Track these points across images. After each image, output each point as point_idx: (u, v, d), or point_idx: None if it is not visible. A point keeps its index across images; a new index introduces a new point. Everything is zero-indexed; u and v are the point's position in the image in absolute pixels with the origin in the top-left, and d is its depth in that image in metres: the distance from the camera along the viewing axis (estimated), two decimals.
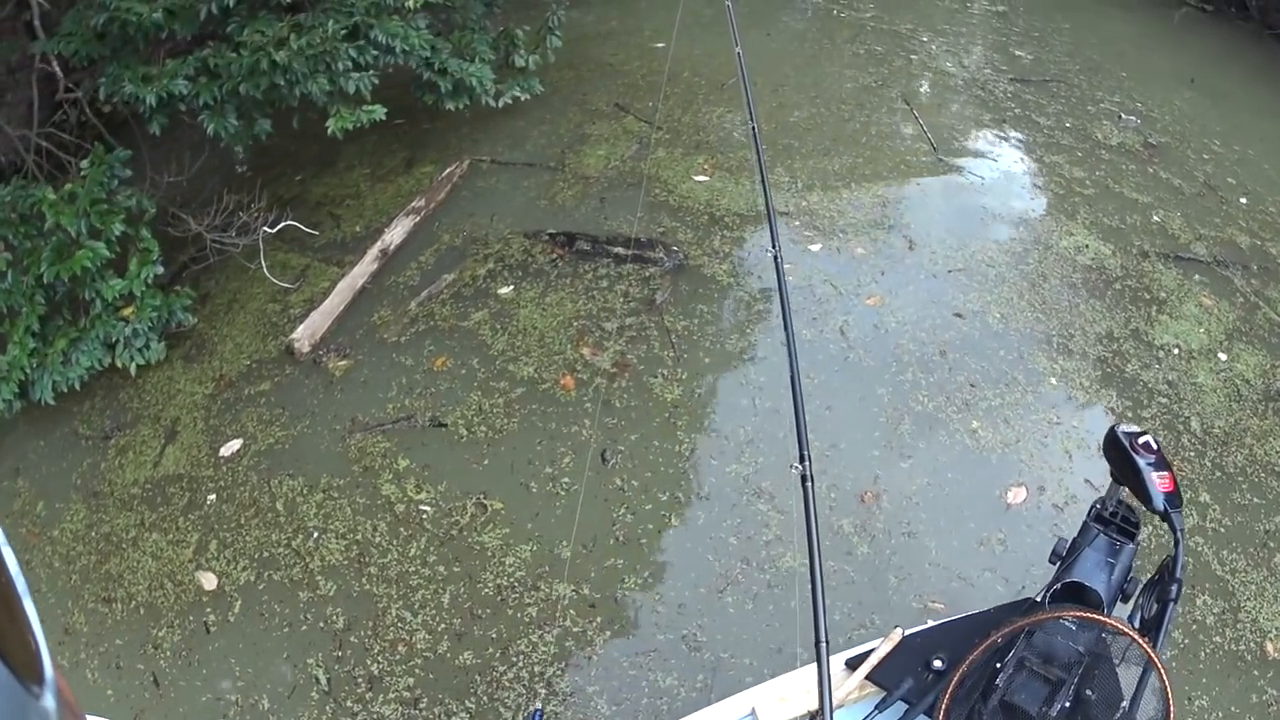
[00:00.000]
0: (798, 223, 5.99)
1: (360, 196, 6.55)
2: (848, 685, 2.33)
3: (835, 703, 2.21)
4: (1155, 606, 2.29)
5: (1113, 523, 2.40)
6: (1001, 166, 6.90)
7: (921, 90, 7.91)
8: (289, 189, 6.63)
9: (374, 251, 5.86)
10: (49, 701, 0.46)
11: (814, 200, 6.23)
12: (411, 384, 5.05)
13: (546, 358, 5.11)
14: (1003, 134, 7.33)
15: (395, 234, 5.99)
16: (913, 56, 8.42)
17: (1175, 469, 2.35)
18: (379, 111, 5.50)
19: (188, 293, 5.37)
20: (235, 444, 4.86)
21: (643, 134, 6.88)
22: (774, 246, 3.14)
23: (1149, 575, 2.40)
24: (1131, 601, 2.37)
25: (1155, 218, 6.59)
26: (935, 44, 8.73)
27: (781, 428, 4.61)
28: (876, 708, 2.27)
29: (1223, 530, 4.48)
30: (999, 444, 4.66)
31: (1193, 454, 4.83)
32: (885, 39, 8.68)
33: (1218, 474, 4.73)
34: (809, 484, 2.26)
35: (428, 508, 4.42)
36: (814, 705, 2.10)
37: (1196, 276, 6.09)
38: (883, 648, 2.39)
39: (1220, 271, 6.19)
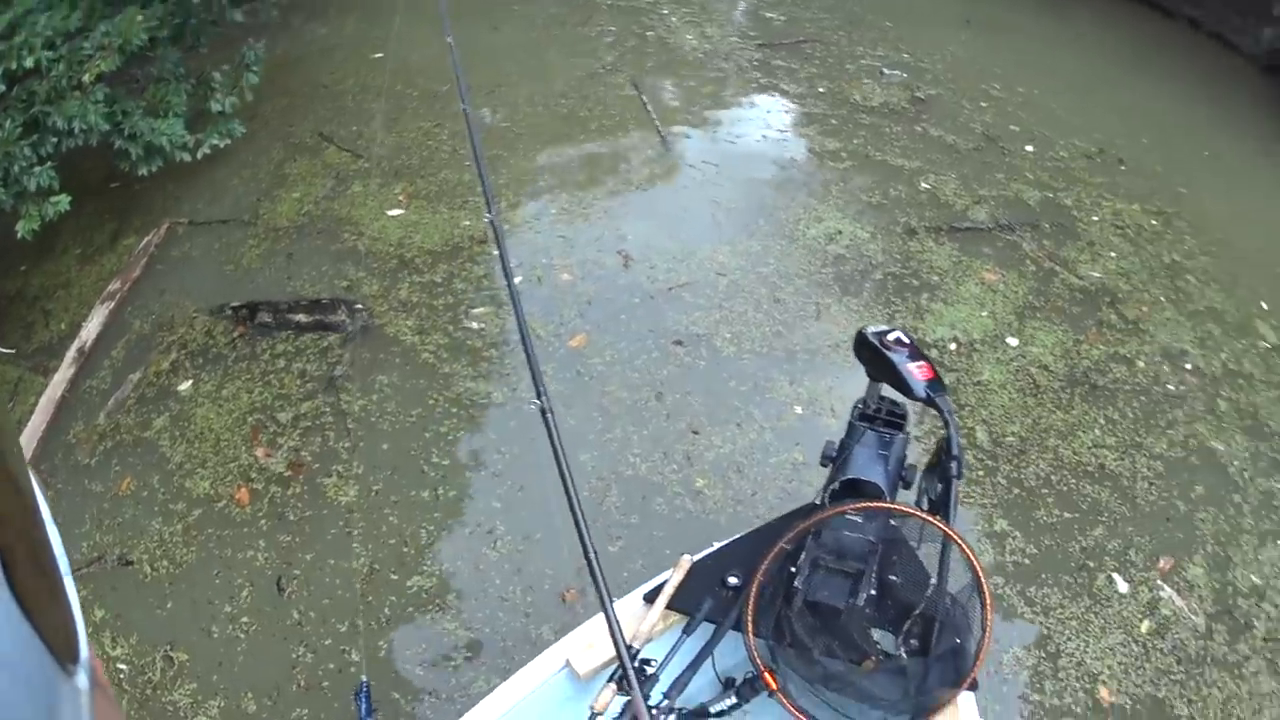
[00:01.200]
0: (496, 251, 5.40)
1: (69, 284, 5.77)
2: (650, 617, 2.33)
3: (644, 636, 2.26)
4: (939, 486, 2.35)
5: (878, 418, 2.46)
6: (739, 151, 6.36)
7: (655, 72, 7.32)
8: (13, 282, 5.89)
9: (71, 352, 5.14)
10: (82, 680, 0.47)
11: (520, 217, 5.65)
12: (101, 515, 4.40)
13: (222, 467, 4.44)
14: (744, 111, 6.82)
15: (92, 328, 5.28)
16: (649, 34, 7.81)
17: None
18: (64, 203, 4.98)
19: None
20: None
21: (342, 166, 6.25)
22: (507, 277, 3.06)
23: (928, 459, 2.49)
24: (915, 487, 2.44)
25: (924, 184, 6.13)
26: (676, 15, 8.14)
27: (472, 526, 4.09)
28: (684, 632, 2.30)
29: (1027, 562, 4.00)
30: (730, 502, 4.11)
31: (981, 473, 4.31)
32: (622, 17, 8.08)
33: (1015, 492, 4.25)
34: (550, 416, 2.19)
35: (124, 665, 3.81)
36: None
37: (976, 248, 5.63)
38: (675, 577, 2.40)
39: (1005, 237, 5.74)
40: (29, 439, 4.83)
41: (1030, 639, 3.77)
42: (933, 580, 2.19)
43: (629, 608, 2.40)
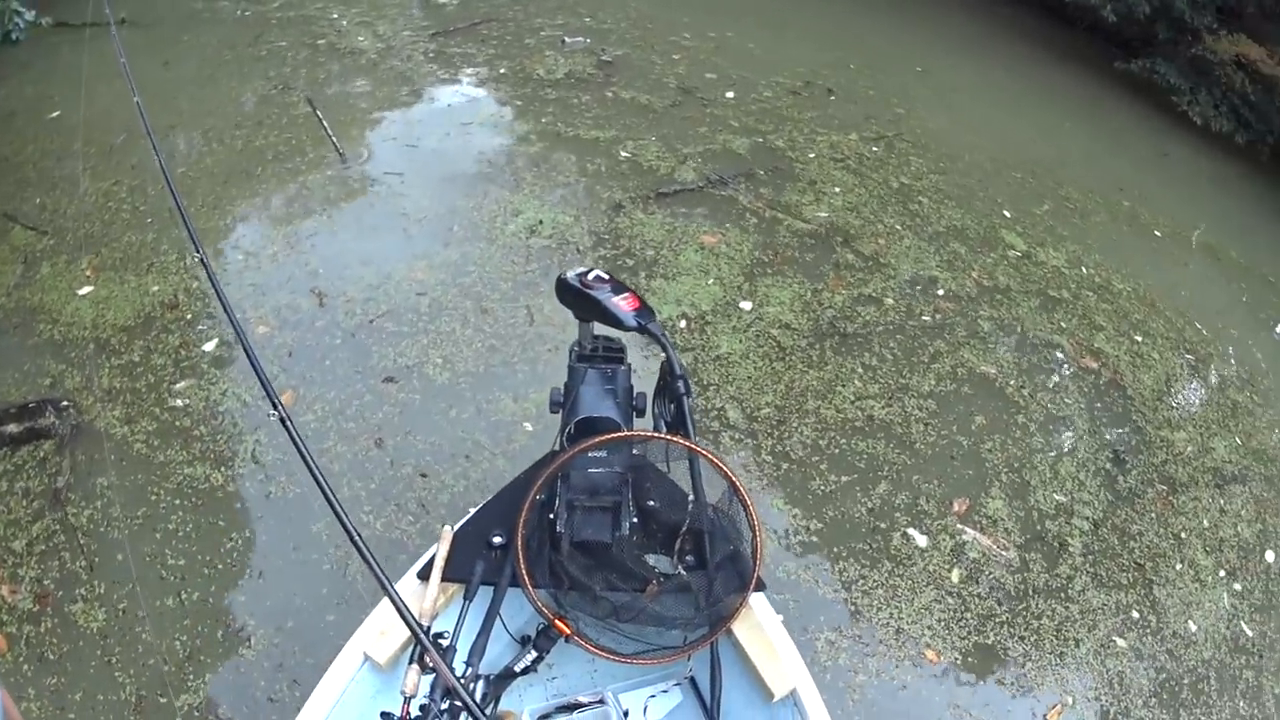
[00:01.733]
0: (189, 314, 5.29)
1: None
2: (430, 593, 2.33)
3: (429, 612, 2.26)
4: (672, 407, 2.40)
5: (596, 356, 2.51)
6: (423, 153, 6.36)
7: (329, 82, 7.21)
8: None
9: None
10: None
11: (204, 274, 5.65)
12: None
13: None
14: (424, 109, 6.84)
15: None
16: (320, 42, 7.71)
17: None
18: None
19: None
20: None
21: (29, 246, 6.01)
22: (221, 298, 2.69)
23: (655, 384, 2.51)
24: (649, 413, 2.48)
25: (624, 153, 6.15)
26: (346, 19, 8.04)
27: (222, 628, 4.01)
28: (465, 598, 2.31)
29: (815, 539, 3.94)
30: None
31: (743, 453, 4.21)
32: (291, 30, 7.90)
33: (784, 466, 4.19)
34: (290, 423, 2.14)
35: None
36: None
37: (690, 211, 5.49)
38: (441, 549, 2.42)
39: (718, 193, 5.67)
40: None
41: (839, 619, 3.75)
42: (690, 496, 2.27)
43: (407, 588, 2.40)
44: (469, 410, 4.68)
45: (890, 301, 5.04)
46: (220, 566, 4.24)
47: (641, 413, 2.47)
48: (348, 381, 4.88)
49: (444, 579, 2.38)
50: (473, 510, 2.59)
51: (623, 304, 2.39)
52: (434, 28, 7.81)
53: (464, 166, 6.27)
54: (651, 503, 2.33)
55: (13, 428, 4.95)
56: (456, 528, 2.48)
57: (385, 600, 2.20)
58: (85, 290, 5.64)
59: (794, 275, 5.17)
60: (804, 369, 4.63)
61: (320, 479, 1.98)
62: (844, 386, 4.56)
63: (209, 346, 5.17)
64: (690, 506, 2.29)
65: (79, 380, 5.13)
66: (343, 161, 6.33)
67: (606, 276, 2.45)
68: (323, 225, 5.85)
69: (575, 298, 2.47)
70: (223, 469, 4.63)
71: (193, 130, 6.83)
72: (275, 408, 2.11)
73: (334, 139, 6.46)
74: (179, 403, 4.92)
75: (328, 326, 5.16)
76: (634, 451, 2.31)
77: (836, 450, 4.27)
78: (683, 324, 4.87)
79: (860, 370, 4.68)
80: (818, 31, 7.68)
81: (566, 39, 7.42)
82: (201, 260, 2.65)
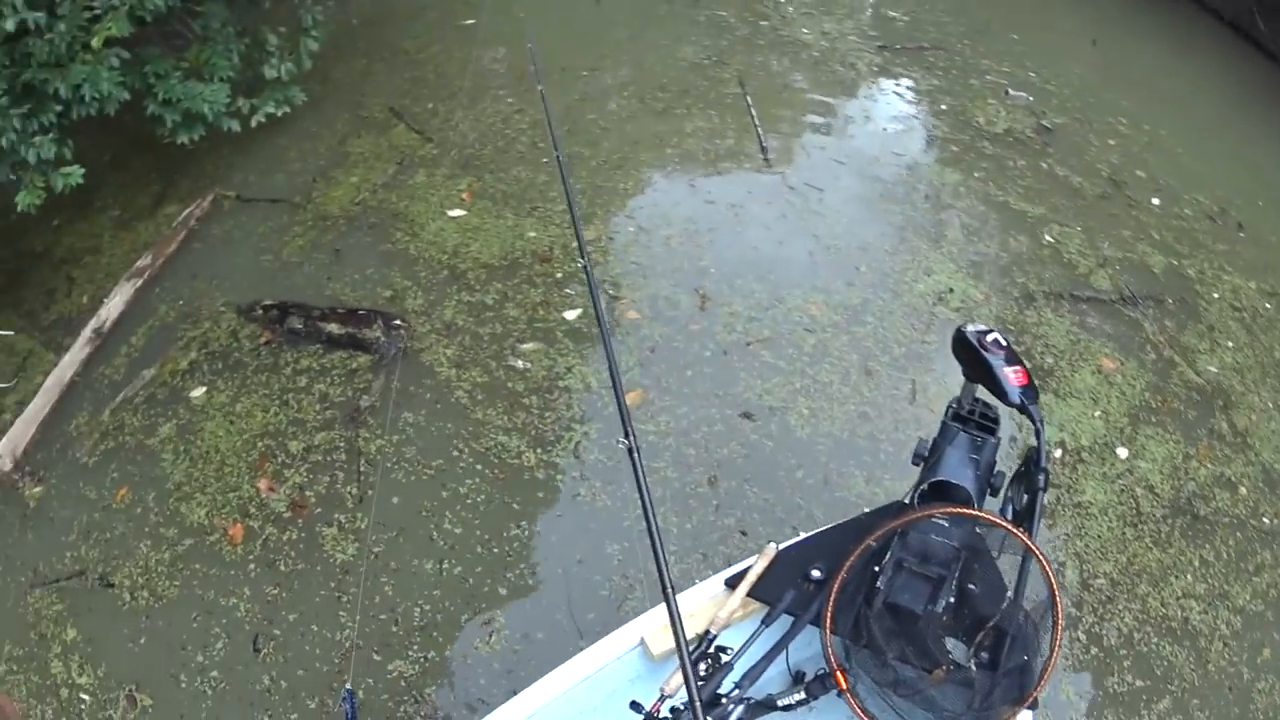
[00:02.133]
0: (560, 274, 4.82)
1: (100, 250, 5.32)
2: (730, 604, 2.32)
3: (722, 622, 2.29)
4: (1025, 497, 2.31)
5: (971, 420, 2.40)
6: (848, 174, 5.64)
7: (765, 68, 6.58)
8: (42, 238, 5.49)
9: (87, 332, 4.72)
10: None
11: (591, 233, 5.01)
12: (91, 525, 4.03)
13: (221, 495, 3.99)
14: (859, 128, 6.09)
15: (114, 306, 4.83)
16: (763, 22, 7.07)
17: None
18: (75, 175, 4.56)
19: None
20: None
21: (409, 149, 5.67)
22: (583, 258, 2.78)
23: (1016, 467, 2.41)
24: (1000, 494, 2.37)
25: (1048, 237, 5.40)
26: (793, 5, 7.38)
27: (470, 613, 3.55)
28: (763, 622, 2.30)
29: None
30: None
31: (1064, 620, 3.75)
32: (734, 1, 7.34)
33: (1093, 652, 3.65)
34: (636, 455, 2.12)
35: (87, 696, 3.45)
36: (699, 628, 2.25)
37: (1098, 325, 4.88)
38: (758, 564, 2.39)
39: (1128, 313, 5.01)
40: (28, 423, 4.45)
41: None
42: (1009, 593, 2.18)
43: (709, 591, 2.40)
44: (816, 477, 4.02)
45: (1243, 491, 4.36)
46: (495, 551, 3.76)
47: (996, 492, 2.36)
48: (703, 403, 4.27)
49: (750, 594, 2.35)
50: (802, 535, 2.52)
51: (1012, 376, 2.31)
52: (881, 40, 7.12)
53: (887, 202, 5.51)
54: (972, 587, 2.23)
55: (334, 328, 4.51)
56: (781, 547, 2.44)
57: (686, 592, 2.26)
58: (456, 213, 5.18)
59: (1173, 431, 4.49)
60: (1150, 545, 4.05)
61: (652, 522, 1.98)
62: (1177, 578, 3.96)
63: (570, 315, 4.59)
64: (1006, 604, 2.18)
65: (421, 303, 4.67)
66: (765, 159, 5.70)
67: (1004, 343, 2.37)
68: (726, 221, 5.26)
69: (969, 355, 2.39)
70: (539, 450, 4.07)
71: (612, 77, 6.41)
72: (626, 436, 2.14)
73: (760, 132, 5.83)
74: (519, 364, 4.41)
75: (701, 334, 4.62)
76: (976, 530, 2.22)
77: (1145, 649, 3.71)
78: (1058, 452, 4.26)
79: (1196, 563, 4.05)
80: (1238, 153, 6.74)
81: (1011, 91, 6.66)
82: (584, 267, 2.56)
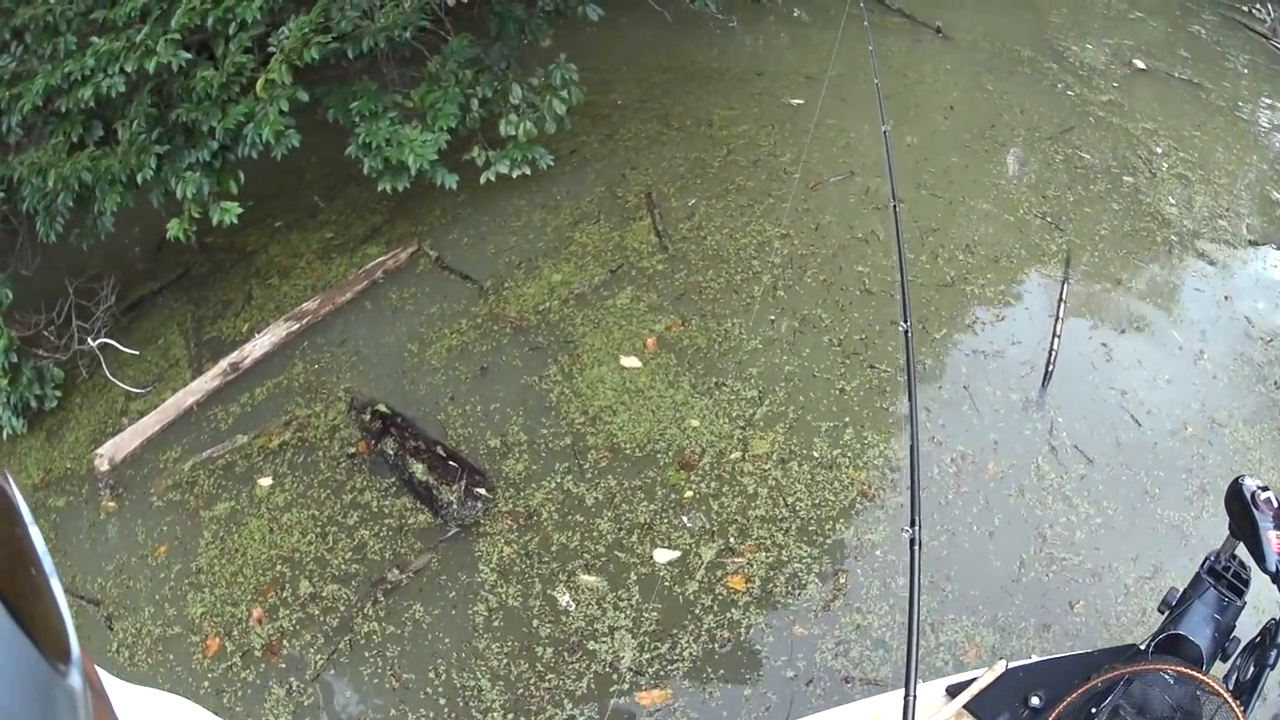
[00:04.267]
0: (690, 493, 3.79)
1: (289, 274, 5.17)
2: (945, 712, 2.31)
3: None
4: (1252, 669, 2.22)
5: (1224, 577, 2.33)
6: (1145, 444, 4.13)
7: (1102, 244, 5.13)
8: (258, 236, 5.44)
9: (225, 364, 4.55)
10: (75, 679, 0.45)
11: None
12: (125, 566, 3.99)
13: (222, 602, 3.69)
14: (1182, 362, 4.52)
15: (260, 345, 4.60)
16: (1127, 178, 5.57)
17: None
18: (232, 213, 4.48)
19: (54, 372, 4.75)
20: None
21: (635, 254, 4.88)
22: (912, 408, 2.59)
23: (1251, 637, 2.30)
24: (1229, 662, 2.28)
25: None
26: (1172, 160, 5.79)
27: None
28: None
29: None
30: None
31: None
32: (1106, 141, 5.89)
33: None
34: (917, 548, 2.12)
35: None
36: None
37: None
38: (985, 678, 2.36)
39: None
40: (136, 435, 4.47)
41: None
42: None
43: (929, 695, 2.35)
44: None
45: None
46: None
47: (1226, 657, 2.20)
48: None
49: (967, 705, 2.29)
50: (1035, 658, 2.44)
51: (1275, 540, 2.18)
52: (1258, 235, 5.37)
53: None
54: None
55: (419, 469, 4.09)
56: (1011, 665, 2.35)
57: (894, 693, 2.19)
58: (629, 362, 4.48)
59: None
60: None
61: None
62: None
63: (662, 556, 3.68)
64: None
65: (520, 472, 4.04)
66: (1041, 388, 4.30)
67: (1277, 504, 2.23)
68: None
69: (1238, 508, 2.27)
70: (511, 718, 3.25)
71: (918, 214, 5.20)
72: (912, 524, 2.17)
73: (1053, 351, 4.45)
74: (564, 599, 3.58)
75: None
76: (1197, 693, 2.08)
77: None
78: None
79: None
80: None
81: None
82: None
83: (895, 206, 3.21)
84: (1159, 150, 5.95)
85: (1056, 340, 4.47)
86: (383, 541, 3.73)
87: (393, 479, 3.93)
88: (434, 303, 4.76)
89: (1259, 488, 2.29)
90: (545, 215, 5.23)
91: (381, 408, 4.20)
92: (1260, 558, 2.22)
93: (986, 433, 4.06)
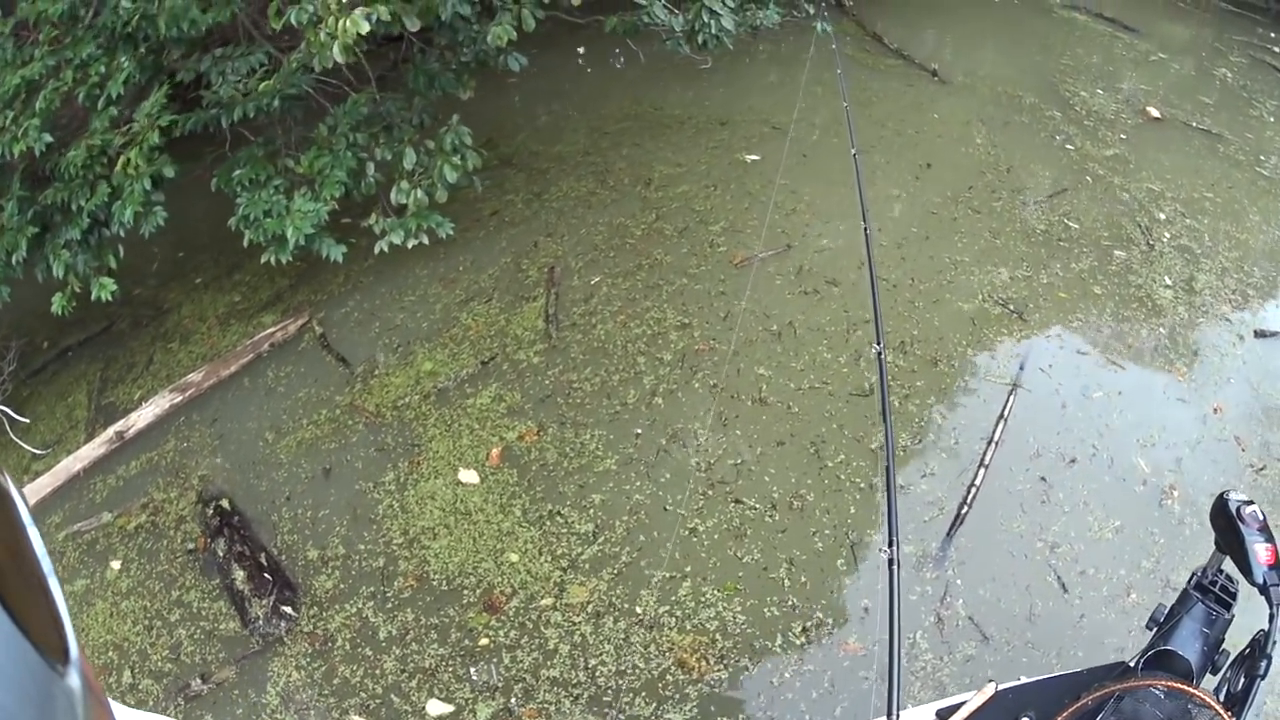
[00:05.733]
0: (485, 640, 3.80)
1: (189, 339, 5.43)
2: None
3: None
4: (1242, 681, 2.27)
5: (1211, 591, 2.39)
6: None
7: (1077, 338, 4.89)
8: (177, 294, 5.68)
9: (111, 432, 4.87)
10: (74, 679, 0.46)
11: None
12: None
13: None
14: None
15: (144, 416, 4.90)
16: (1119, 252, 5.38)
17: None
18: (107, 288, 4.71)
19: None
20: None
21: (515, 343, 4.96)
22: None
23: (1241, 649, 2.36)
24: (1220, 673, 2.35)
25: None
26: (1176, 229, 5.55)
27: None
28: None
29: None
30: None
31: None
32: (1101, 206, 5.68)
33: None
34: (895, 568, 2.24)
35: None
36: None
37: None
38: (974, 700, 2.40)
39: None
40: (31, 494, 4.69)
41: None
42: None
43: (919, 718, 2.40)
44: None
45: None
46: None
47: (1216, 670, 2.25)
48: None
49: None
50: (1024, 680, 2.48)
51: (1261, 553, 2.23)
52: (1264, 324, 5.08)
53: None
54: None
55: (240, 576, 4.40)
56: (1001, 687, 2.40)
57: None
58: (467, 477, 4.59)
59: None
60: None
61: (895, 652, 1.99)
62: None
63: (435, 709, 3.68)
64: None
65: (329, 589, 4.31)
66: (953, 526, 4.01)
67: (1261, 517, 2.29)
68: None
69: (1224, 523, 2.33)
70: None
71: (861, 299, 4.92)
72: (890, 545, 2.30)
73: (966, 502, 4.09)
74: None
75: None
76: (1188, 706, 2.12)
77: None
78: None
79: None
80: None
81: None
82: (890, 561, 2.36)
83: (866, 230, 3.46)
84: (1162, 216, 5.65)
85: (982, 472, 4.06)
86: (195, 645, 4.01)
87: (217, 580, 4.20)
88: (304, 386, 4.95)
89: (1243, 502, 2.33)
90: (440, 290, 5.32)
91: (224, 503, 4.45)
92: (1247, 570, 2.26)
93: (858, 597, 3.72)
